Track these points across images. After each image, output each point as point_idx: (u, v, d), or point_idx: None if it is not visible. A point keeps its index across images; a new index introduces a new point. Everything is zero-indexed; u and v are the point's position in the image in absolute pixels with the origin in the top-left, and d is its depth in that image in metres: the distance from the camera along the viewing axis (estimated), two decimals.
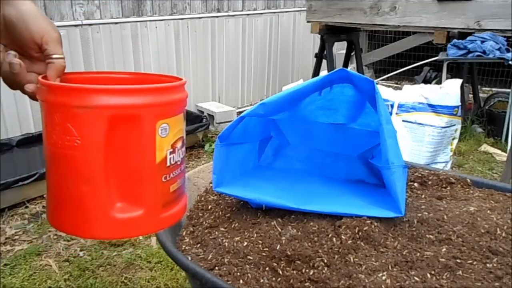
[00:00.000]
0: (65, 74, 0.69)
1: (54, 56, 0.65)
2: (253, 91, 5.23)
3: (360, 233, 1.01)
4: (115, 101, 0.58)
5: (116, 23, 3.82)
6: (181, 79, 0.69)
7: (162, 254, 2.30)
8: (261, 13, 5.06)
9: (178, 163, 0.68)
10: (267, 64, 5.35)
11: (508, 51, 3.66)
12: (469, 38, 3.69)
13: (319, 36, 4.65)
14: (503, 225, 1.03)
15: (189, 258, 1.01)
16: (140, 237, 2.50)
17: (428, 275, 0.88)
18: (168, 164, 0.65)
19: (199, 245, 1.09)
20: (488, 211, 1.11)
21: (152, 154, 0.63)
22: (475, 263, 0.91)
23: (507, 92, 3.88)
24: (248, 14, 4.90)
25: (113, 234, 0.64)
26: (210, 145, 3.83)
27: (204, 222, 1.19)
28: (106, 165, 0.60)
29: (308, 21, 4.78)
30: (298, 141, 1.43)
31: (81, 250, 2.41)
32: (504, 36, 3.70)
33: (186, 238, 1.13)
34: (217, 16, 4.59)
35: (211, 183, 1.25)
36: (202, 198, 1.33)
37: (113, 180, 0.61)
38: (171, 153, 0.65)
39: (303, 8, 5.20)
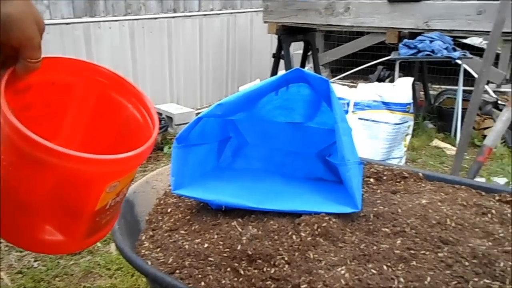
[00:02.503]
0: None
1: (30, 60, 0.64)
2: (212, 92, 5.21)
3: (319, 230, 1.03)
4: (71, 165, 0.58)
5: (68, 23, 3.68)
6: (151, 126, 0.70)
7: (122, 261, 2.25)
8: (218, 14, 5.05)
9: (120, 200, 0.70)
10: (225, 65, 5.34)
11: (454, 50, 3.84)
12: (418, 38, 3.85)
13: (276, 36, 4.69)
14: (453, 216, 1.08)
15: (149, 263, 1.00)
16: (99, 244, 2.42)
17: (385, 267, 0.91)
18: (107, 207, 0.67)
19: (159, 249, 1.07)
20: (439, 203, 1.16)
21: (94, 204, 0.64)
22: (427, 253, 0.95)
23: (455, 89, 4.08)
24: (205, 15, 4.87)
25: (38, 250, 0.69)
26: (169, 147, 3.78)
27: (163, 226, 1.18)
28: (44, 201, 0.62)
29: (265, 22, 4.81)
30: (257, 140, 1.43)
31: (35, 261, 2.31)
32: (451, 36, 3.88)
33: (145, 242, 1.11)
34: (173, 17, 4.53)
35: (170, 185, 1.24)
36: (162, 201, 1.31)
37: (49, 212, 0.63)
38: (114, 198, 0.67)
39: (259, 9, 5.23)
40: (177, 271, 0.94)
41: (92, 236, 0.70)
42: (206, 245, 1.02)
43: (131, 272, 2.18)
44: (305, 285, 0.87)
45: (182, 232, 1.12)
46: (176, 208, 1.25)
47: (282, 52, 4.57)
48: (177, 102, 4.75)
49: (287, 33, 4.65)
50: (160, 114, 4.34)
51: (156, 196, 1.34)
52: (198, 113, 4.39)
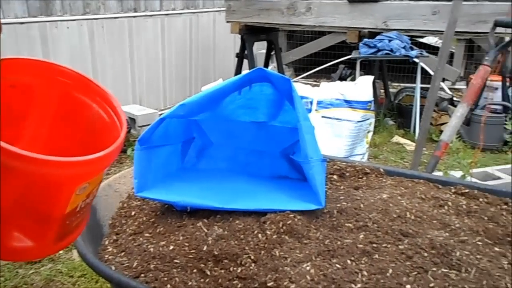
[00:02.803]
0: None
1: None
2: (175, 92, 5.15)
3: (284, 227, 1.04)
4: (38, 168, 0.56)
5: (22, 23, 3.54)
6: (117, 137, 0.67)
7: (86, 267, 2.18)
8: (180, 13, 4.99)
9: (90, 202, 0.69)
10: (189, 65, 5.29)
11: (412, 49, 3.97)
12: (378, 37, 3.96)
13: (239, 36, 4.69)
14: (412, 209, 1.12)
15: (113, 268, 0.98)
16: (60, 251, 2.34)
17: (349, 261, 0.94)
18: (78, 209, 0.65)
19: (123, 253, 1.05)
20: (399, 197, 1.20)
21: (64, 207, 0.63)
22: (389, 246, 0.98)
23: (413, 87, 4.22)
24: (166, 14, 4.80)
25: (6, 258, 0.66)
26: (132, 150, 3.68)
27: (127, 229, 1.15)
28: (12, 208, 0.59)
29: (227, 21, 4.80)
30: (221, 140, 1.43)
31: None
32: (408, 35, 4.01)
33: (109, 247, 1.09)
34: (134, 16, 4.44)
35: (133, 188, 1.22)
36: (125, 205, 1.29)
37: (16, 218, 0.61)
38: (84, 200, 0.66)
39: (222, 8, 5.22)
40: (142, 275, 0.93)
41: (63, 239, 0.68)
42: (171, 247, 1.01)
43: (95, 279, 2.13)
44: (272, 283, 0.88)
45: (147, 235, 1.11)
46: (140, 211, 1.23)
47: (246, 52, 4.58)
48: (140, 103, 4.66)
49: (250, 33, 4.66)
50: None
51: (119, 199, 1.31)
52: (162, 114, 4.32)
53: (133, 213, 1.23)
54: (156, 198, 1.14)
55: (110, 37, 4.24)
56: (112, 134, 0.70)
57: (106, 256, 1.04)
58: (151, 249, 1.01)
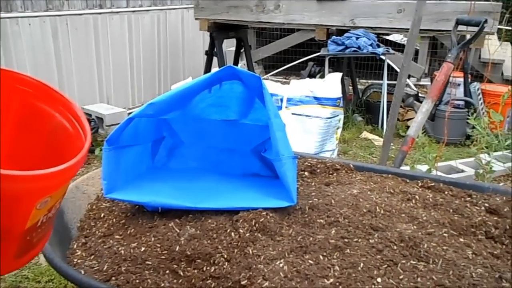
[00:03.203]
0: None
1: None
2: (144, 91, 5.06)
3: (257, 225, 1.04)
4: None
5: None
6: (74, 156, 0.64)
7: (53, 272, 2.12)
8: (148, 10, 4.90)
9: (52, 216, 0.66)
10: (157, 62, 5.21)
11: (378, 46, 4.05)
12: (345, 34, 4.02)
13: (208, 33, 4.66)
14: (381, 203, 1.14)
15: (82, 272, 0.95)
16: None
17: (321, 256, 0.95)
18: (39, 224, 0.63)
19: (92, 256, 1.02)
20: (369, 192, 1.22)
21: (23, 223, 0.60)
22: (360, 240, 1.00)
23: (381, 84, 4.31)
24: (133, 11, 4.71)
25: None
26: (101, 150, 3.59)
27: (97, 232, 1.13)
28: None
29: (196, 19, 4.76)
30: (192, 139, 1.42)
31: None
32: (375, 33, 4.10)
33: (77, 250, 1.06)
34: (99, 13, 4.33)
35: (102, 189, 1.19)
36: (94, 207, 1.26)
37: None
38: (46, 215, 0.63)
39: (190, 5, 5.16)
40: (113, 278, 0.91)
41: (24, 255, 0.65)
42: (143, 249, 0.99)
43: (63, 283, 2.07)
44: (245, 281, 0.88)
45: (117, 237, 1.08)
46: (110, 213, 1.20)
47: (215, 50, 4.55)
48: (108, 102, 4.56)
49: (219, 30, 4.63)
50: (89, 115, 4.14)
51: (88, 201, 1.28)
52: (130, 113, 4.24)
53: (102, 215, 1.20)
54: (126, 199, 1.12)
55: (75, 34, 4.12)
56: (75, 144, 0.67)
57: (75, 259, 1.02)
58: (122, 251, 0.99)
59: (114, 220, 1.16)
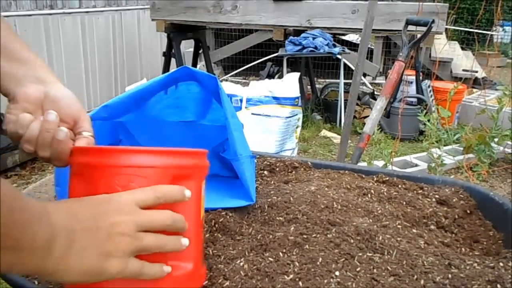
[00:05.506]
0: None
1: (86, 133, 0.78)
2: (100, 93, 4.93)
3: (216, 225, 1.04)
4: (177, 162, 0.63)
5: None
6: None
7: (4, 284, 2.02)
8: (102, 11, 4.78)
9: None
10: (113, 64, 5.09)
11: (335, 46, 4.15)
12: (302, 35, 4.09)
13: (166, 34, 4.60)
14: (338, 199, 1.17)
15: (36, 283, 0.92)
16: None
17: (281, 253, 0.96)
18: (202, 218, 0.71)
19: None
20: (326, 189, 1.25)
21: (198, 212, 0.69)
22: (318, 236, 1.02)
23: (338, 82, 4.41)
24: (87, 12, 4.58)
25: None
26: None
27: None
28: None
29: (152, 19, 4.69)
30: (149, 142, 1.39)
31: None
32: (331, 33, 4.19)
33: None
34: (50, 14, 4.18)
35: (56, 196, 1.15)
36: None
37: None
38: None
39: (146, 6, 5.08)
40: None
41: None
42: None
43: None
44: (206, 282, 0.87)
45: None
46: None
47: (173, 51, 4.50)
48: None
49: (177, 31, 4.59)
50: None
51: None
52: None
53: None
54: None
55: (24, 35, 3.95)
56: None
57: None
58: None
59: None
